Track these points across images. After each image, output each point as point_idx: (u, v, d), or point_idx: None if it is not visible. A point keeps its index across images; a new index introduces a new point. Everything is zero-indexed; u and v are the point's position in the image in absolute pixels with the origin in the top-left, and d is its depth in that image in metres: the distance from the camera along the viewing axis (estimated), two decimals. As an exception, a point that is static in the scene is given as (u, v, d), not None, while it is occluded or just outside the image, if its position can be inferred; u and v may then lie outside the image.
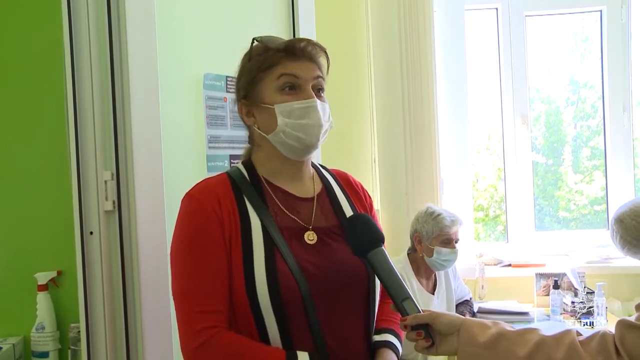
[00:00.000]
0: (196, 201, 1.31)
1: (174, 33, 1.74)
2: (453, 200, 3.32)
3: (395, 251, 3.02)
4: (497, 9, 3.52)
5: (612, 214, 2.10)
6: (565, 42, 3.72)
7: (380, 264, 1.26)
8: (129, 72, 1.61)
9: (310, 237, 1.35)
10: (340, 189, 1.48)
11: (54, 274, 2.00)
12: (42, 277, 1.98)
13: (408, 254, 2.76)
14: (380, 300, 1.42)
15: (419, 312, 1.24)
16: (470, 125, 3.46)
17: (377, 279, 1.36)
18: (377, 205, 3.22)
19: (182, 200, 1.35)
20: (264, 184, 1.38)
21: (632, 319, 1.16)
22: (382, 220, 3.20)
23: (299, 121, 1.33)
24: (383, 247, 1.28)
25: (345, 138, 3.14)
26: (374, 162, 3.23)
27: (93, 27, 1.61)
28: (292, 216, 1.36)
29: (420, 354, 2.59)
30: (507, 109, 3.54)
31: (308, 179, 1.45)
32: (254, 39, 1.40)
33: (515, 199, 3.55)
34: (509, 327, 1.25)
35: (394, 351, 1.39)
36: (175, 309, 1.29)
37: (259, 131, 1.38)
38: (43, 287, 1.98)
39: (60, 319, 1.98)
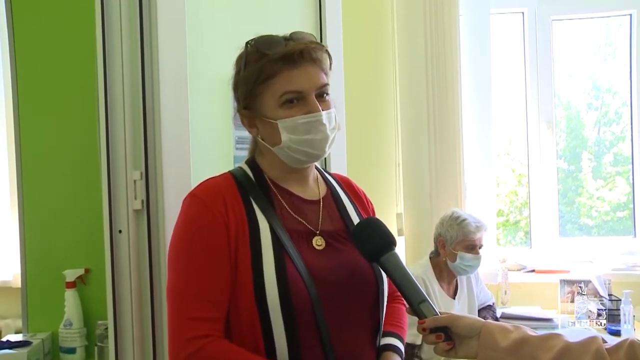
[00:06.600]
0: (201, 202, 1.26)
1: (203, 34, 1.76)
2: (475, 204, 3.30)
3: (418, 254, 3.01)
4: (523, 13, 3.50)
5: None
6: (588, 47, 3.68)
7: (394, 268, 1.23)
8: (159, 73, 1.62)
9: (318, 242, 1.31)
10: (344, 193, 1.45)
11: (81, 271, 2.02)
12: (70, 275, 2.00)
13: (430, 258, 2.75)
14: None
15: (437, 314, 1.21)
16: (494, 129, 3.44)
17: (385, 282, 1.34)
18: (400, 208, 3.22)
19: (184, 200, 1.29)
20: (271, 186, 1.34)
21: None
22: (406, 223, 3.19)
23: (304, 137, 1.27)
24: (395, 250, 1.26)
25: (370, 142, 3.14)
26: (398, 166, 3.23)
27: (125, 28, 1.62)
28: (299, 219, 1.32)
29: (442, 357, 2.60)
30: (532, 114, 3.52)
31: (313, 182, 1.41)
32: (247, 42, 1.31)
33: (539, 204, 3.52)
34: (531, 331, 1.21)
35: (398, 354, 1.36)
36: (167, 312, 1.24)
37: (263, 142, 1.33)
38: (71, 284, 2.00)
39: (88, 316, 2.01)
